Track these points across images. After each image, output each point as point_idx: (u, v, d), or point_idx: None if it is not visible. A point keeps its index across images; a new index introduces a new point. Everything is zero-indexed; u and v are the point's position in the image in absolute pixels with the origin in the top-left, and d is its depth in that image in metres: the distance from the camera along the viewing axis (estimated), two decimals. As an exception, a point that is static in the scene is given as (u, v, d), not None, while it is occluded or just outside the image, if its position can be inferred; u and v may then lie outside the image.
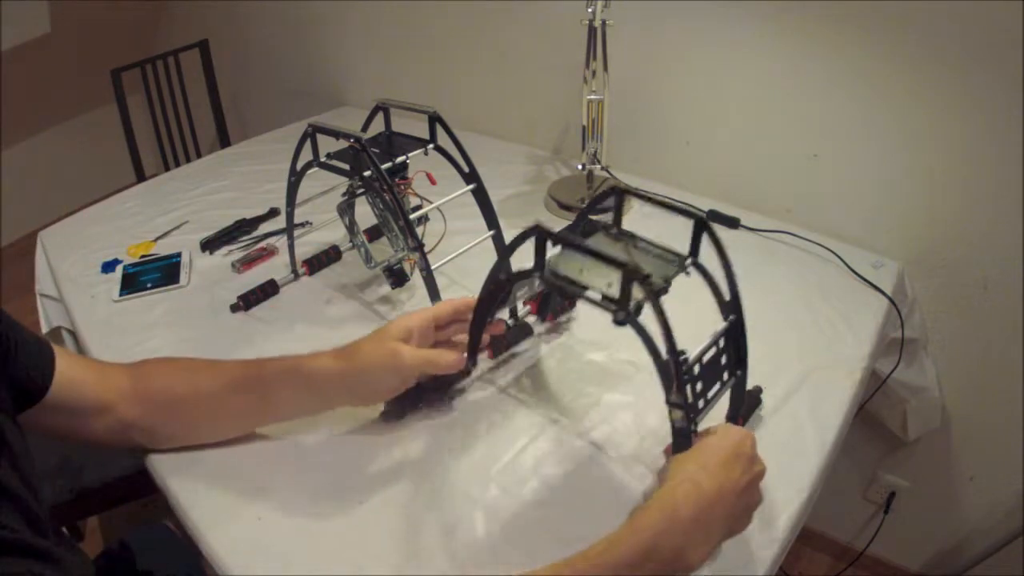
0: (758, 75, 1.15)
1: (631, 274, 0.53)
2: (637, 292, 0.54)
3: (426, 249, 0.81)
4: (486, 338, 0.73)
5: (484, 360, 0.86)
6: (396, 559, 0.63)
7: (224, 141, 2.02)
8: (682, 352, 0.55)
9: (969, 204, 1.04)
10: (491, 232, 0.89)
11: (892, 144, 1.07)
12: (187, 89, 1.90)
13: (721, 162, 1.24)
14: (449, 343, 0.74)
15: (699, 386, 0.59)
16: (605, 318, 0.55)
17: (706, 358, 0.60)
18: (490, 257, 0.87)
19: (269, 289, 0.98)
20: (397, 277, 0.93)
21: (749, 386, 0.69)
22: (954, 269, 1.09)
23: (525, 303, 0.93)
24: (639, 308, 0.54)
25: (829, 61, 1.07)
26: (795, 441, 0.76)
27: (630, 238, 0.65)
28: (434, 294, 0.85)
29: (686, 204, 0.63)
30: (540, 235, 0.59)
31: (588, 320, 0.90)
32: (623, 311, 0.54)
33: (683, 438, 0.58)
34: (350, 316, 0.95)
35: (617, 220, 0.68)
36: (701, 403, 0.60)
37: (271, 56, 2.05)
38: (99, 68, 1.80)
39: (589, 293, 0.57)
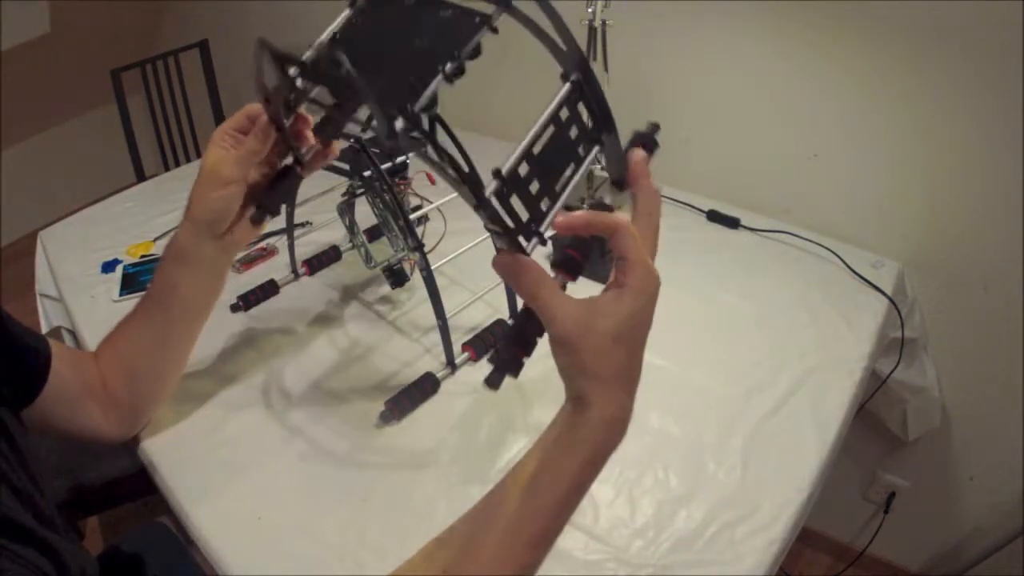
0: (758, 75, 1.15)
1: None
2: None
3: (426, 249, 0.81)
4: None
5: (486, 359, 0.86)
6: (396, 559, 0.63)
7: (224, 141, 2.02)
8: (495, 170, 0.45)
9: (969, 204, 1.04)
10: (491, 232, 0.89)
11: (892, 144, 1.07)
12: (187, 89, 1.90)
13: (721, 162, 1.24)
14: None
15: (534, 186, 0.46)
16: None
17: (538, 148, 0.46)
18: (490, 257, 0.87)
19: (269, 289, 0.98)
20: (397, 277, 0.93)
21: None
22: (954, 269, 1.09)
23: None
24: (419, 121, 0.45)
25: (829, 61, 1.07)
26: (795, 441, 0.76)
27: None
28: (434, 294, 0.85)
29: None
30: None
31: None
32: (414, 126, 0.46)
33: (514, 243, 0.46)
34: (350, 316, 0.95)
35: None
36: (545, 204, 0.47)
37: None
38: (99, 68, 1.80)
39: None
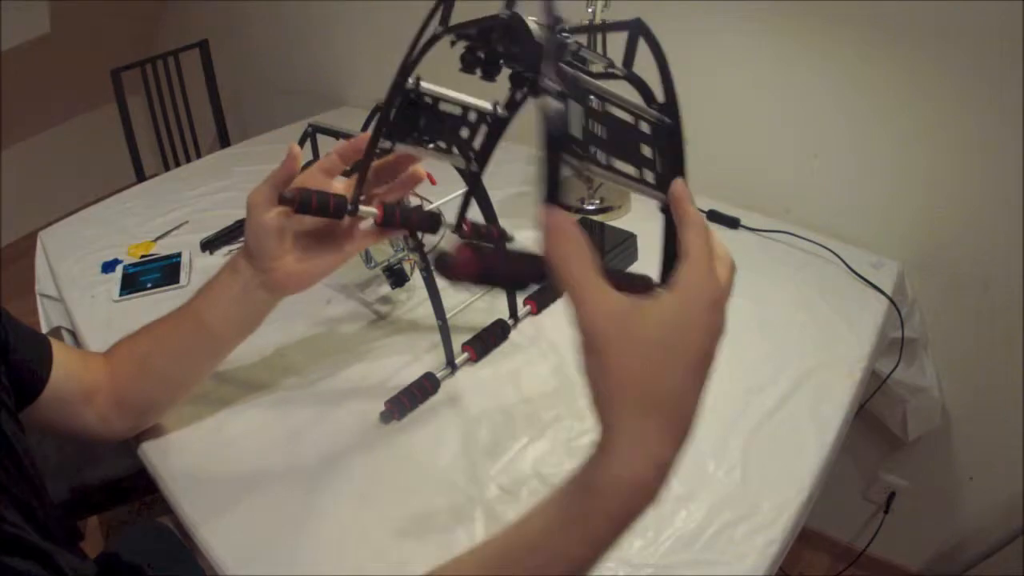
0: (758, 75, 1.15)
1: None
2: None
3: (426, 249, 0.81)
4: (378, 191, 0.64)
5: (487, 359, 0.86)
6: (396, 558, 0.63)
7: (224, 141, 2.02)
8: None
9: (969, 204, 1.04)
10: (491, 232, 0.89)
11: (892, 144, 1.07)
12: (187, 89, 1.90)
13: (721, 162, 1.24)
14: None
15: (602, 130, 0.42)
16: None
17: (613, 120, 0.44)
18: (490, 257, 0.87)
19: (269, 289, 0.98)
20: (397, 277, 0.93)
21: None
22: (954, 269, 1.09)
23: (526, 302, 0.93)
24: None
25: (829, 61, 1.07)
26: (795, 441, 0.76)
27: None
28: (434, 294, 0.85)
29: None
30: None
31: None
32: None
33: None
34: (350, 316, 0.95)
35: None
36: (600, 154, 0.41)
37: (271, 56, 2.05)
38: (99, 68, 1.80)
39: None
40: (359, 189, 0.60)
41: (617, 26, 0.53)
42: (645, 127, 0.47)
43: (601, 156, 0.41)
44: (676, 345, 0.33)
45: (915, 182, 1.07)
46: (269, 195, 0.60)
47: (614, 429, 0.33)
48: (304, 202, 0.58)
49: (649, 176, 0.46)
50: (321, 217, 0.60)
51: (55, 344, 0.65)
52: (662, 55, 0.49)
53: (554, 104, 0.36)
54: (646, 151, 0.46)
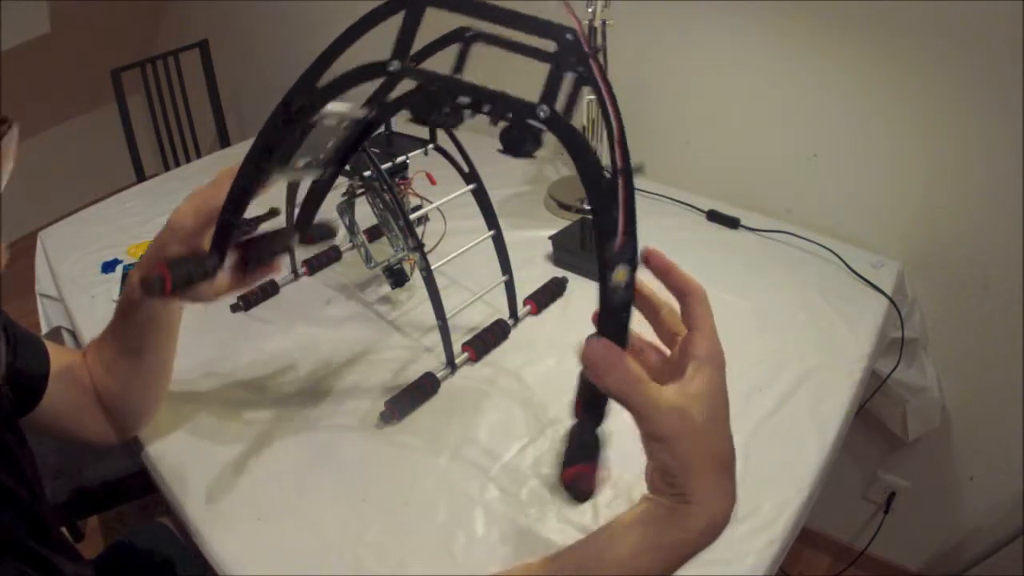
0: (758, 75, 1.15)
1: (566, 47, 0.36)
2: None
3: (426, 249, 0.81)
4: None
5: (487, 359, 0.86)
6: (396, 558, 0.63)
7: (224, 141, 2.02)
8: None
9: (969, 204, 1.04)
10: (491, 232, 0.89)
11: (892, 144, 1.07)
12: (187, 89, 1.90)
13: (721, 162, 1.24)
14: None
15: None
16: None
17: None
18: (490, 257, 0.87)
19: (269, 289, 0.98)
20: (397, 277, 0.93)
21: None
22: (954, 269, 1.09)
23: (526, 302, 0.93)
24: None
25: (829, 61, 1.07)
26: (795, 441, 0.76)
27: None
28: (434, 294, 0.85)
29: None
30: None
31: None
32: (546, 103, 0.37)
33: (620, 328, 0.39)
34: (350, 316, 0.95)
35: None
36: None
37: (271, 56, 2.05)
38: (99, 68, 1.80)
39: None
40: (222, 247, 0.55)
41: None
42: None
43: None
44: (718, 412, 0.41)
45: (915, 182, 1.07)
46: (193, 217, 0.56)
47: (694, 490, 0.40)
48: (175, 283, 0.53)
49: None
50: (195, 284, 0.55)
51: (56, 351, 0.65)
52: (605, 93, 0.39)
53: None
54: None
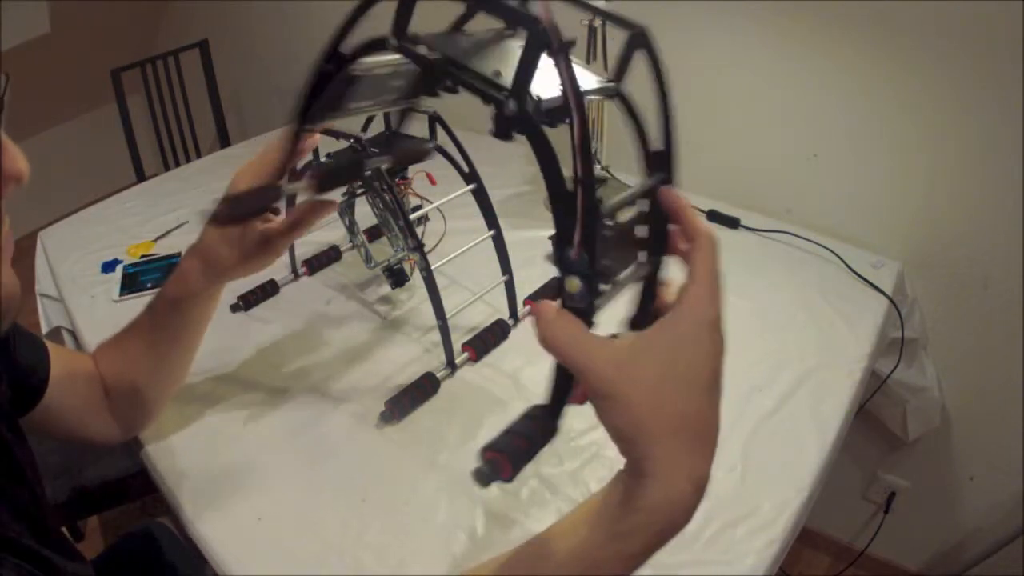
0: (758, 75, 1.15)
1: (543, 40, 0.34)
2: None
3: (426, 249, 0.81)
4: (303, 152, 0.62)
5: (487, 359, 0.86)
6: (396, 559, 0.63)
7: (224, 141, 2.02)
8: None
9: (969, 204, 1.04)
10: (491, 232, 0.89)
11: (892, 144, 1.07)
12: (187, 89, 1.90)
13: (721, 162, 1.24)
14: None
15: (608, 258, 0.37)
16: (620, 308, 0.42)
17: (623, 217, 0.40)
18: (490, 257, 0.87)
19: (269, 289, 0.98)
20: (397, 277, 0.93)
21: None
22: (954, 269, 1.09)
23: (525, 302, 0.93)
24: (542, 111, 0.37)
25: (829, 61, 1.07)
26: (795, 441, 0.76)
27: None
28: (434, 294, 0.85)
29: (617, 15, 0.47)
30: None
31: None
32: (515, 98, 0.36)
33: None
34: (350, 316, 0.95)
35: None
36: (605, 286, 0.38)
37: (271, 56, 2.05)
38: (99, 68, 1.80)
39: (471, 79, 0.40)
40: (284, 169, 0.61)
41: (620, 22, 0.46)
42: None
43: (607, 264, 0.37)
44: (683, 370, 0.34)
45: (915, 182, 1.07)
46: (250, 177, 0.62)
47: (647, 457, 0.34)
48: (240, 209, 0.58)
49: (650, 264, 0.41)
50: (261, 209, 0.60)
51: (56, 349, 0.65)
52: (665, 86, 0.43)
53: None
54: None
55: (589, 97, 0.40)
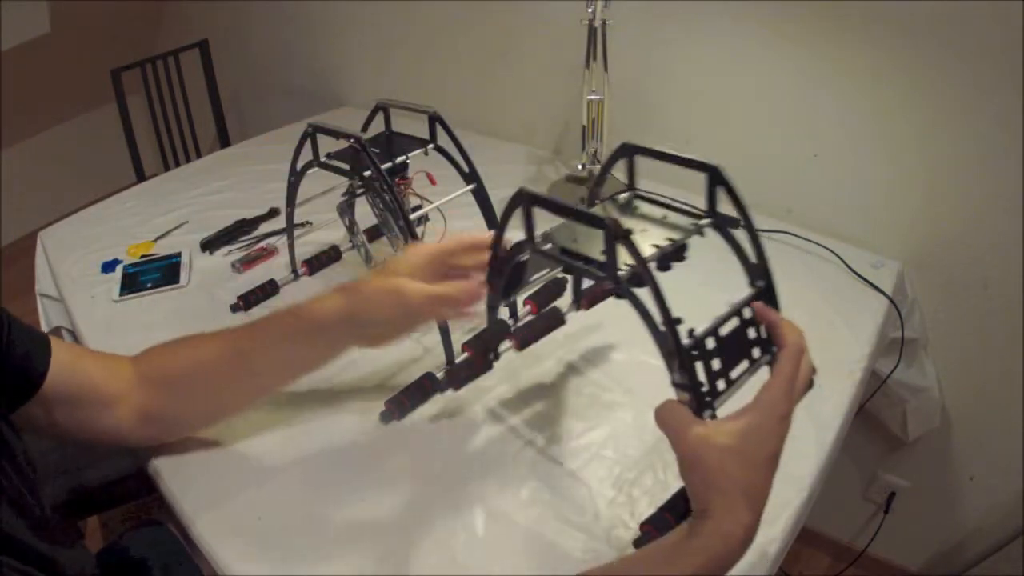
0: (758, 75, 1.15)
1: (613, 233, 0.48)
2: (628, 257, 0.49)
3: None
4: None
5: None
6: (396, 559, 0.63)
7: (224, 141, 2.02)
8: (691, 330, 0.49)
9: (969, 204, 1.04)
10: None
11: (892, 144, 1.07)
12: (187, 89, 1.90)
13: (721, 162, 1.23)
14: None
15: (716, 363, 0.51)
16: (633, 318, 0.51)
17: (724, 331, 0.52)
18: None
19: (269, 289, 0.98)
20: (397, 277, 0.93)
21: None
22: (954, 269, 1.09)
23: (525, 302, 0.93)
24: (639, 278, 0.49)
25: (829, 61, 1.07)
26: (795, 441, 0.75)
27: (639, 201, 0.63)
28: (434, 294, 0.85)
29: (694, 158, 0.62)
30: (526, 200, 0.56)
31: (616, 317, 0.90)
32: (611, 277, 0.49)
33: None
34: (350, 316, 0.95)
35: (630, 180, 0.66)
36: (721, 384, 0.51)
37: (271, 56, 2.05)
38: (99, 68, 1.80)
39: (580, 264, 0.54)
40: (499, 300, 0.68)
41: (694, 164, 0.61)
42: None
43: (717, 365, 0.51)
44: (749, 448, 0.46)
45: (915, 182, 1.07)
46: (425, 258, 0.64)
47: (711, 504, 0.46)
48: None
49: (763, 357, 0.55)
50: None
51: (67, 345, 0.64)
52: (745, 211, 0.60)
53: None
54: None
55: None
